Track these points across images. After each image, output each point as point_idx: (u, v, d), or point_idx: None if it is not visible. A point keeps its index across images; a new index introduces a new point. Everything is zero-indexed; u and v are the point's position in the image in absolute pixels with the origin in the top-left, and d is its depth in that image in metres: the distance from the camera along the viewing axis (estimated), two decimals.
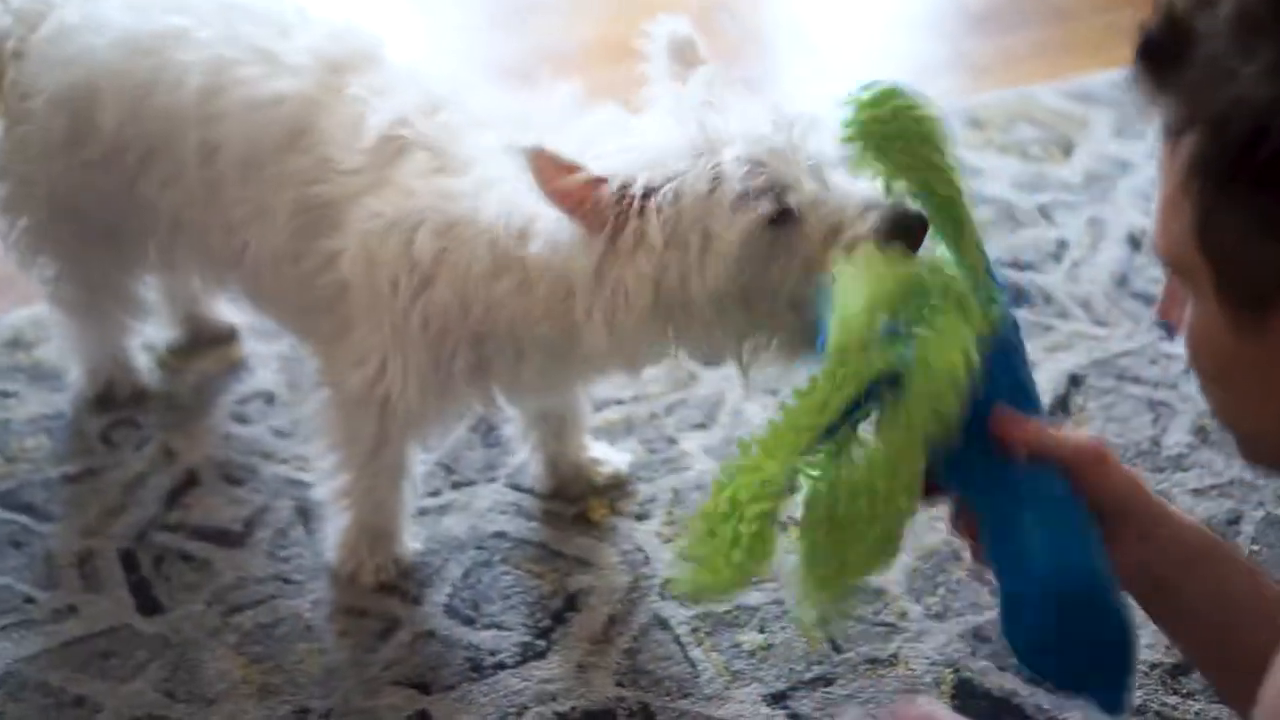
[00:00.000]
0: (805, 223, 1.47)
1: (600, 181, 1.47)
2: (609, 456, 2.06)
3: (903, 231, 1.43)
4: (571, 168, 1.47)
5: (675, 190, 1.46)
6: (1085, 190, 2.58)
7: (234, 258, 1.81)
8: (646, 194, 1.47)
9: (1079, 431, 1.24)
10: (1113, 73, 2.85)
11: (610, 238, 1.49)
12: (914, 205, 1.43)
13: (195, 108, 1.75)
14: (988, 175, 2.60)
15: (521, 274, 1.60)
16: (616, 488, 2.05)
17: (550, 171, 1.46)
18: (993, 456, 1.24)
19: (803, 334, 1.52)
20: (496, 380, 1.74)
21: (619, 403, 2.17)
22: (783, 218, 1.46)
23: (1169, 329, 1.20)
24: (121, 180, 1.83)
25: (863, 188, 1.47)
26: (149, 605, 1.90)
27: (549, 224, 1.53)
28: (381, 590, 1.91)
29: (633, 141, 1.52)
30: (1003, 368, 1.26)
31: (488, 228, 1.61)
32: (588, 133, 1.55)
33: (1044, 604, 1.20)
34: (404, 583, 1.92)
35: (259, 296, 1.88)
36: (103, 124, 1.80)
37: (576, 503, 2.03)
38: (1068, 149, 2.67)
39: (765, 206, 1.45)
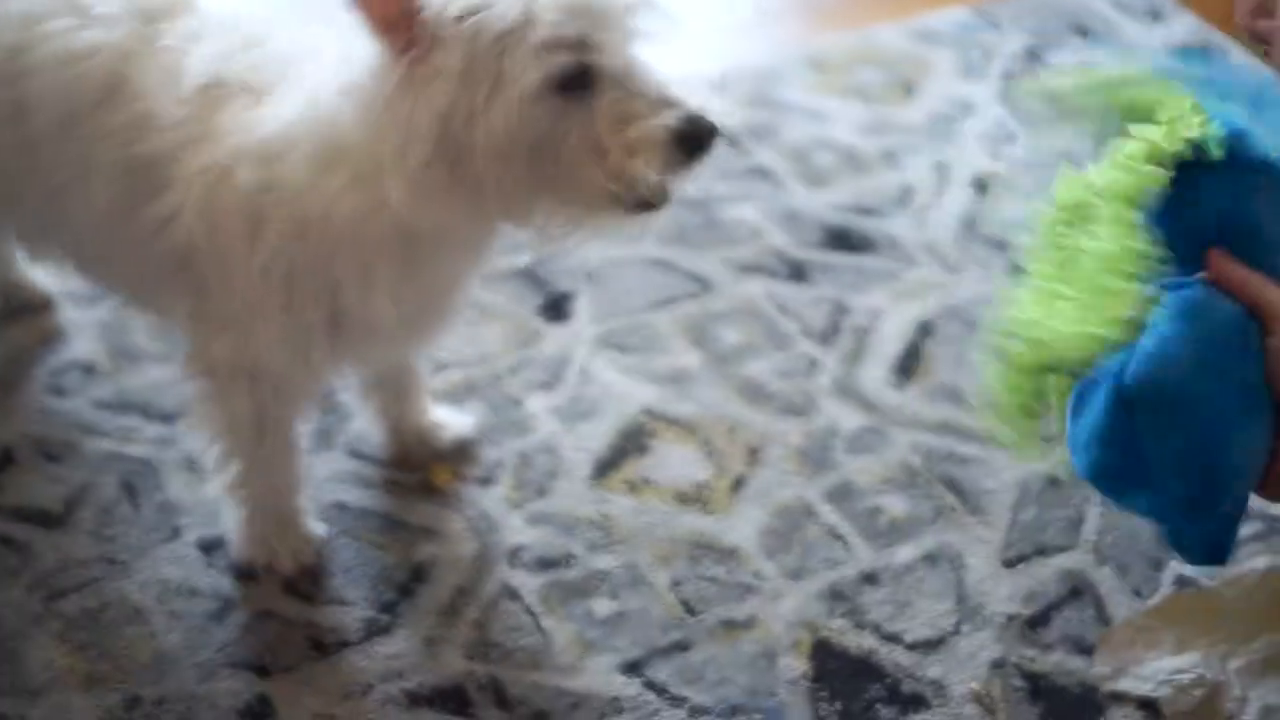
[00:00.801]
0: (599, 99, 1.41)
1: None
2: (452, 420, 1.99)
3: (692, 143, 1.41)
4: None
5: (480, 20, 1.38)
6: (929, 133, 2.54)
7: (56, 223, 1.70)
8: (460, 18, 1.38)
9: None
10: (952, 10, 2.83)
11: (412, 62, 1.40)
12: (712, 117, 1.41)
13: (4, 65, 1.63)
14: (830, 119, 2.55)
15: (348, 161, 1.50)
16: (461, 452, 1.97)
17: None
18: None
19: (585, 209, 1.48)
20: (352, 325, 1.63)
21: (461, 364, 2.09)
22: (579, 82, 1.40)
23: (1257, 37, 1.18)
24: None
25: (668, 83, 1.43)
26: None
27: (362, 69, 1.44)
28: (303, 578, 1.83)
29: None
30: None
31: (297, 129, 1.52)
32: None
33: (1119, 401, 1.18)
34: (319, 569, 1.85)
35: (89, 266, 1.77)
36: None
37: (419, 470, 1.95)
38: (910, 90, 2.64)
39: (563, 59, 1.38)
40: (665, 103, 1.41)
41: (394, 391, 1.93)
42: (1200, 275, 1.18)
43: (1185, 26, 2.79)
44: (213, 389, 1.72)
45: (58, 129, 1.63)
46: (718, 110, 1.44)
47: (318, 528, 1.86)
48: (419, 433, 1.96)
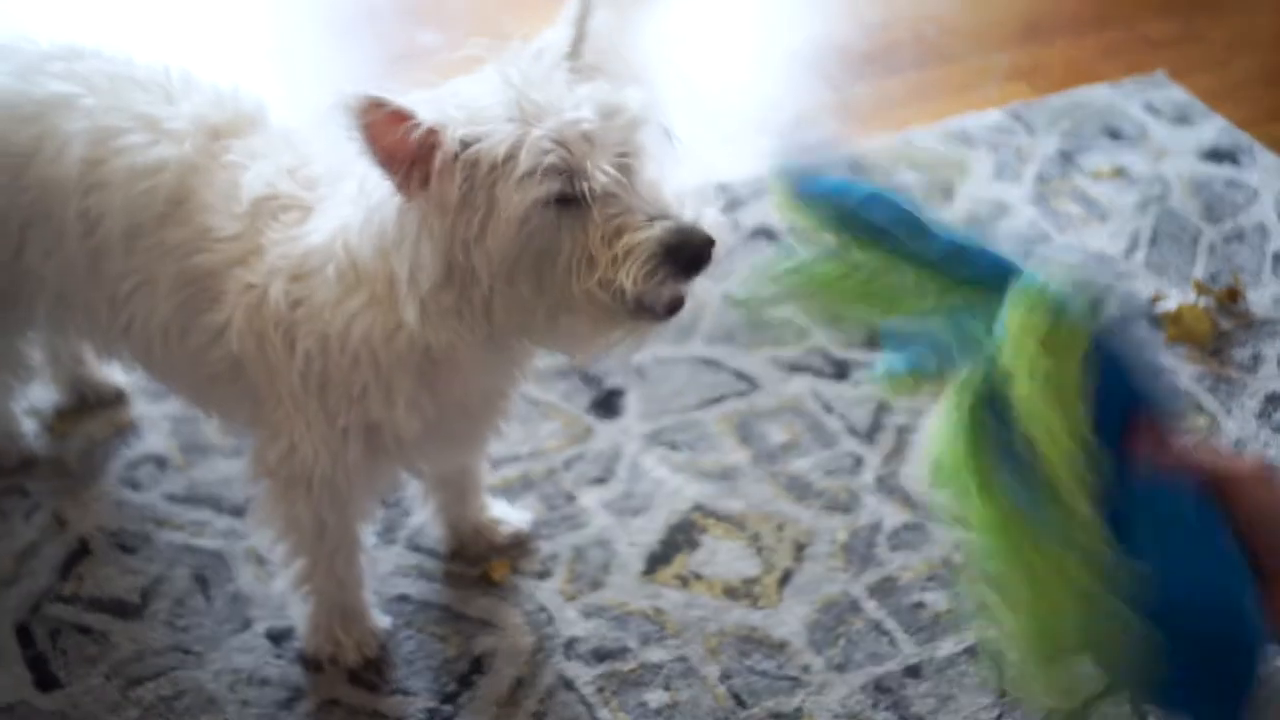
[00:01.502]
0: (592, 212, 1.46)
1: (435, 133, 1.43)
2: (509, 515, 2.06)
3: (682, 256, 1.45)
4: (405, 116, 1.42)
5: (476, 152, 1.44)
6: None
7: (122, 331, 1.77)
8: (464, 146, 1.44)
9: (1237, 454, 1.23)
10: (989, 113, 2.92)
11: (418, 193, 1.46)
12: (708, 230, 1.45)
13: (77, 177, 1.71)
14: None
15: (367, 283, 1.57)
16: (518, 546, 2.05)
17: (382, 126, 1.42)
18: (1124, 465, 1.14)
19: (590, 322, 1.51)
20: (385, 435, 1.69)
21: (516, 459, 2.16)
22: (571, 202, 1.45)
23: None
24: (5, 247, 1.78)
25: (667, 196, 1.47)
26: (46, 681, 1.86)
27: (377, 203, 1.51)
28: (367, 670, 1.89)
29: (453, 95, 1.49)
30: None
31: (328, 250, 1.59)
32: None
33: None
34: (382, 663, 1.91)
35: (154, 370, 1.84)
36: None
37: (478, 563, 2.02)
38: (948, 193, 2.72)
39: (551, 187, 1.43)
40: (657, 215, 1.45)
41: (454, 490, 2.00)
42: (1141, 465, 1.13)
43: (1215, 128, 2.87)
44: (274, 493, 1.78)
45: (123, 241, 1.70)
46: (713, 221, 1.48)
47: (382, 620, 1.92)
48: (477, 528, 2.03)
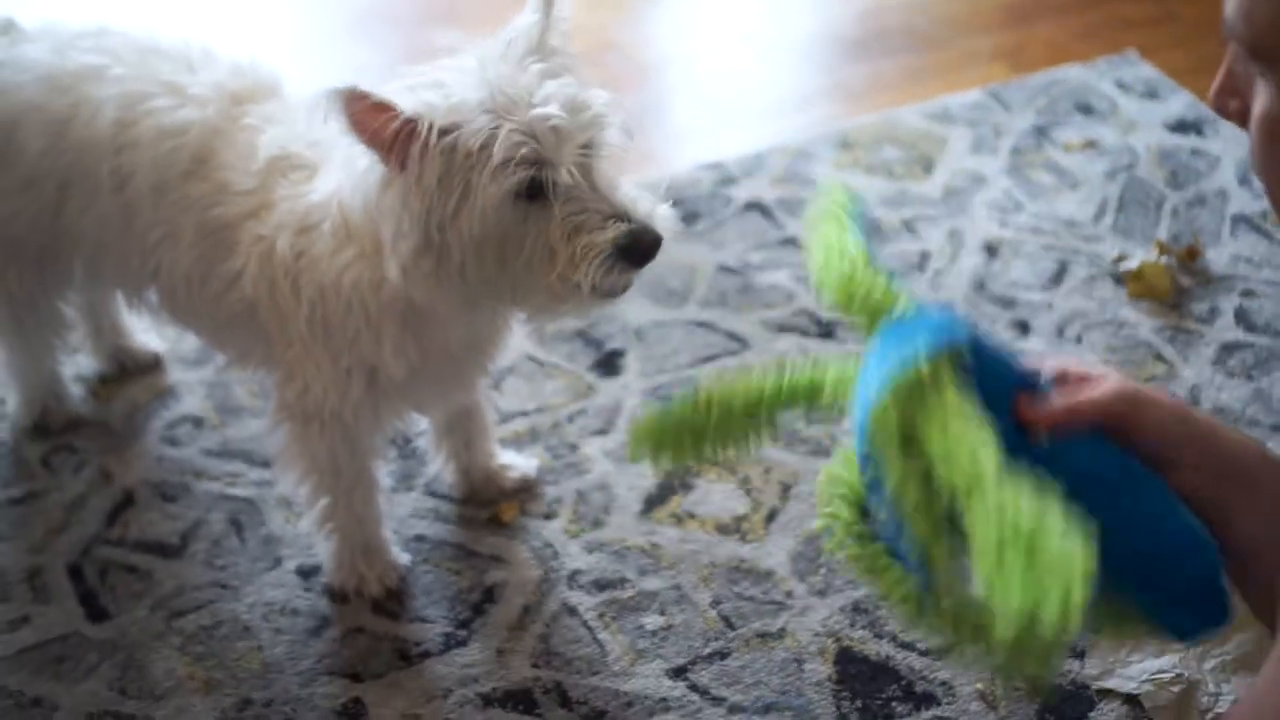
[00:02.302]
0: (555, 208, 1.62)
1: (412, 122, 1.59)
2: (516, 461, 2.23)
3: (634, 254, 1.63)
4: (386, 106, 1.58)
5: (454, 139, 1.59)
6: (944, 204, 2.79)
7: (150, 278, 1.95)
8: (442, 134, 1.59)
9: (1101, 387, 1.31)
10: (970, 93, 3.09)
11: (401, 171, 1.62)
12: (657, 229, 1.62)
13: (109, 138, 1.88)
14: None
15: (356, 239, 1.74)
16: (525, 490, 2.22)
17: (368, 114, 1.57)
18: (1023, 441, 1.28)
19: (545, 307, 1.70)
20: (380, 375, 1.86)
21: (524, 414, 2.35)
22: (541, 190, 1.61)
23: (1223, 115, 1.22)
24: (45, 206, 1.96)
25: (624, 195, 1.64)
26: (97, 613, 2.04)
27: (362, 173, 1.67)
28: (388, 599, 2.06)
29: (435, 84, 1.64)
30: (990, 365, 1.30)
31: (325, 207, 1.76)
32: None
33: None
34: (400, 592, 2.08)
35: (179, 314, 2.01)
36: (24, 154, 1.93)
37: (489, 506, 2.20)
38: (929, 166, 2.89)
39: (520, 176, 1.59)
40: (614, 215, 1.63)
41: (464, 438, 2.18)
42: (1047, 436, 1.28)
43: (1182, 102, 3.03)
44: (293, 433, 1.96)
45: (152, 195, 1.89)
46: (664, 219, 1.66)
47: (401, 556, 2.10)
48: (487, 474, 2.21)
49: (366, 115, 1.58)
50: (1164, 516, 1.32)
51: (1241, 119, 1.19)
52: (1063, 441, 1.30)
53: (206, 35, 1.99)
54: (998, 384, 1.30)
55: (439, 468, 2.23)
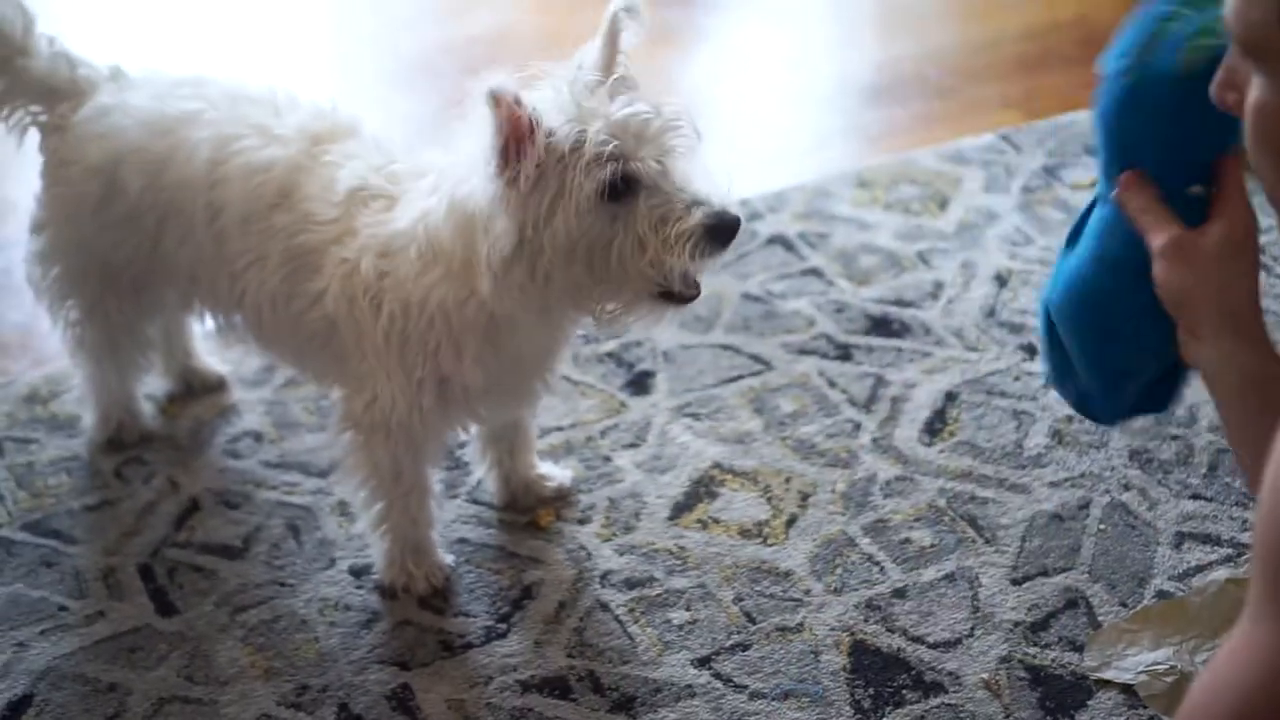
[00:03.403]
0: (640, 203, 1.80)
1: (536, 120, 1.75)
2: (554, 472, 2.40)
3: (719, 235, 1.80)
4: (521, 103, 1.75)
5: (550, 143, 1.78)
6: (958, 238, 2.96)
7: (238, 301, 2.13)
8: (546, 138, 1.77)
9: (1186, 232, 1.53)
10: (983, 137, 3.26)
11: (510, 178, 1.79)
12: (734, 211, 1.80)
13: (204, 175, 2.08)
14: (875, 228, 2.99)
15: (443, 260, 1.92)
16: (561, 499, 2.38)
17: (512, 108, 1.74)
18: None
19: (635, 304, 1.87)
20: (454, 387, 2.03)
21: (560, 429, 2.51)
22: (625, 190, 1.79)
23: (1224, 108, 1.34)
24: (144, 238, 2.16)
25: (699, 187, 1.81)
26: (166, 608, 2.20)
27: (473, 187, 1.84)
28: (435, 597, 2.22)
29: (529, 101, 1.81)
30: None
31: (411, 233, 1.95)
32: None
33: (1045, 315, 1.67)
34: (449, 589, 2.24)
35: (263, 337, 2.19)
36: (127, 191, 2.13)
37: (528, 512, 2.36)
38: (943, 204, 3.06)
39: (611, 170, 1.77)
40: (695, 202, 1.80)
41: (507, 449, 2.34)
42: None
43: None
44: (357, 442, 2.13)
45: (241, 225, 2.08)
46: (735, 203, 1.83)
47: (446, 557, 2.26)
48: (527, 483, 2.37)
49: (513, 112, 1.75)
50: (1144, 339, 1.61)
51: (1240, 110, 1.28)
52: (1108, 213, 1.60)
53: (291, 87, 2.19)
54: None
55: (482, 475, 2.39)
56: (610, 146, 1.78)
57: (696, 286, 1.90)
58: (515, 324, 1.97)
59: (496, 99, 1.74)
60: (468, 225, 1.88)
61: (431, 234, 1.93)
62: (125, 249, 2.19)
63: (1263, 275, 2.67)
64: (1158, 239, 1.54)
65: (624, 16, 1.88)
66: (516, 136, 1.77)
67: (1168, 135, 1.54)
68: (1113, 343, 1.63)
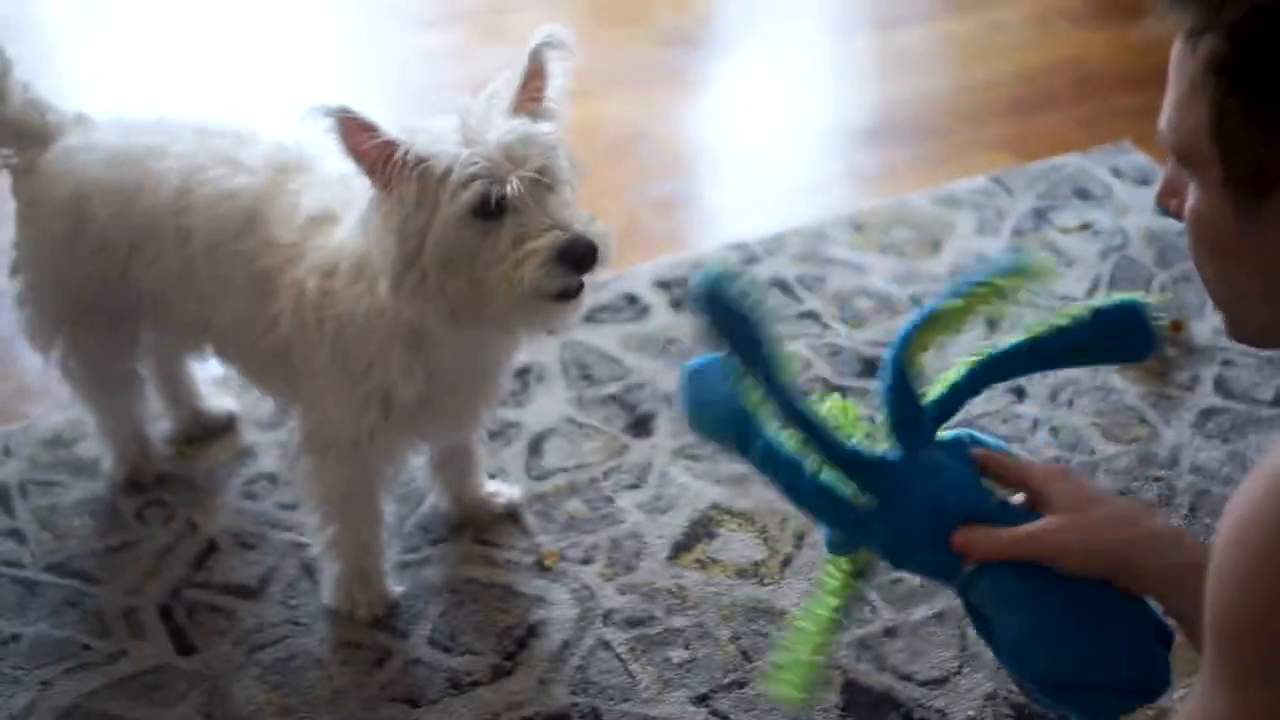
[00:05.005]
0: (505, 223, 1.90)
1: (392, 144, 1.87)
2: (502, 489, 2.52)
3: (568, 257, 1.89)
4: (370, 128, 1.87)
5: (427, 165, 1.89)
6: (950, 281, 3.03)
7: (204, 326, 2.24)
8: (417, 161, 1.89)
9: (1037, 525, 1.47)
10: (976, 179, 3.35)
11: (387, 194, 1.91)
12: (591, 237, 1.88)
13: (172, 202, 2.17)
14: (869, 271, 3.07)
15: (368, 273, 2.01)
16: (511, 515, 2.50)
17: (353, 130, 1.86)
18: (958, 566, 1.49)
19: (502, 314, 1.95)
20: (395, 404, 2.11)
21: (564, 470, 2.60)
22: (496, 210, 1.89)
23: (1167, 214, 1.34)
24: (114, 268, 2.24)
25: (565, 212, 1.91)
26: (185, 647, 2.28)
27: (363, 200, 1.96)
28: (375, 626, 2.30)
29: (425, 126, 1.92)
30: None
31: (341, 251, 2.04)
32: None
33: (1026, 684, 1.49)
34: (393, 620, 2.32)
35: (231, 360, 2.31)
36: (96, 222, 2.22)
37: (481, 530, 2.46)
38: (936, 246, 3.15)
39: (476, 191, 1.87)
40: (554, 226, 1.90)
41: (458, 470, 2.46)
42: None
43: None
44: (311, 465, 2.23)
45: (208, 251, 2.17)
46: (599, 231, 1.92)
47: (395, 588, 2.35)
48: (478, 501, 2.49)
49: (351, 132, 1.88)
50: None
51: (1180, 216, 1.32)
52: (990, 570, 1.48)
53: (250, 105, 2.28)
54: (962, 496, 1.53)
55: (435, 500, 2.50)
56: (478, 167, 1.88)
57: (569, 292, 1.95)
58: (437, 337, 2.06)
59: (338, 123, 1.86)
60: (368, 233, 1.99)
61: (355, 246, 2.03)
62: (96, 281, 2.27)
63: (1224, 369, 2.77)
64: (1043, 534, 1.48)
65: (546, 50, 2.00)
66: (370, 159, 1.89)
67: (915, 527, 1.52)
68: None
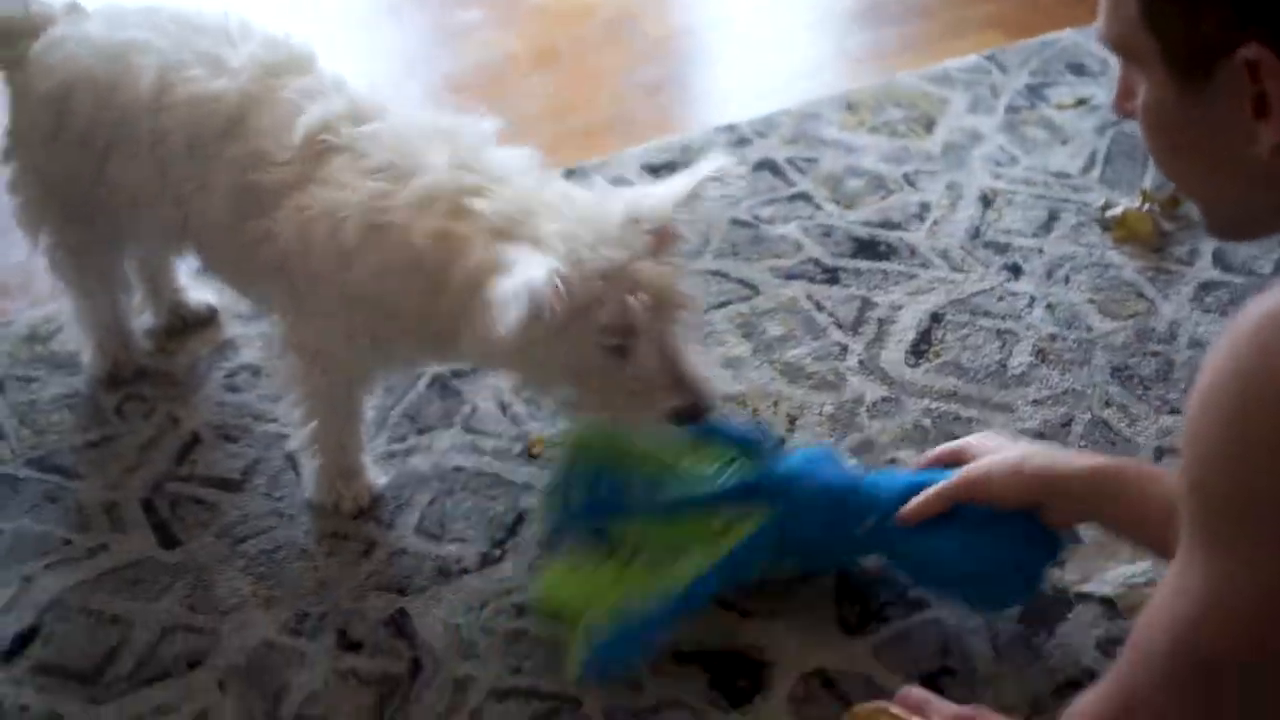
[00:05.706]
0: (631, 357, 1.85)
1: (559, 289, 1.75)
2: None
3: (684, 417, 1.88)
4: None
5: (569, 293, 1.75)
6: (944, 160, 2.99)
7: (182, 227, 2.19)
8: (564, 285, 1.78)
9: (944, 483, 1.92)
10: (966, 58, 3.28)
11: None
12: (709, 401, 1.89)
13: (150, 100, 2.11)
14: (861, 151, 3.01)
15: (436, 284, 1.91)
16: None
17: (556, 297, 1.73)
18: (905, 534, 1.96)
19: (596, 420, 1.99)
20: (387, 349, 2.10)
21: None
22: (621, 353, 1.85)
23: (1127, 118, 1.36)
24: (93, 162, 2.20)
25: (689, 365, 1.87)
26: (168, 540, 2.25)
27: (505, 295, 1.77)
28: (360, 518, 2.27)
29: (573, 234, 1.82)
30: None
31: (415, 247, 1.92)
32: (526, 197, 1.90)
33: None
34: (378, 510, 2.28)
35: (210, 262, 2.28)
36: (78, 116, 2.17)
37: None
38: (929, 125, 3.09)
39: (609, 340, 1.83)
40: (678, 383, 1.87)
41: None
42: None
43: None
44: (298, 365, 2.19)
45: (186, 151, 2.11)
46: (716, 387, 1.92)
47: (378, 479, 2.32)
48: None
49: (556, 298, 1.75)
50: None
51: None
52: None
53: (245, 14, 2.21)
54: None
55: (477, 406, 2.45)
56: (619, 317, 1.82)
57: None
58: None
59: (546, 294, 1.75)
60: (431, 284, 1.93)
61: (437, 263, 1.92)
62: (75, 176, 2.24)
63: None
64: (957, 487, 1.94)
65: (709, 183, 1.91)
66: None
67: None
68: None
